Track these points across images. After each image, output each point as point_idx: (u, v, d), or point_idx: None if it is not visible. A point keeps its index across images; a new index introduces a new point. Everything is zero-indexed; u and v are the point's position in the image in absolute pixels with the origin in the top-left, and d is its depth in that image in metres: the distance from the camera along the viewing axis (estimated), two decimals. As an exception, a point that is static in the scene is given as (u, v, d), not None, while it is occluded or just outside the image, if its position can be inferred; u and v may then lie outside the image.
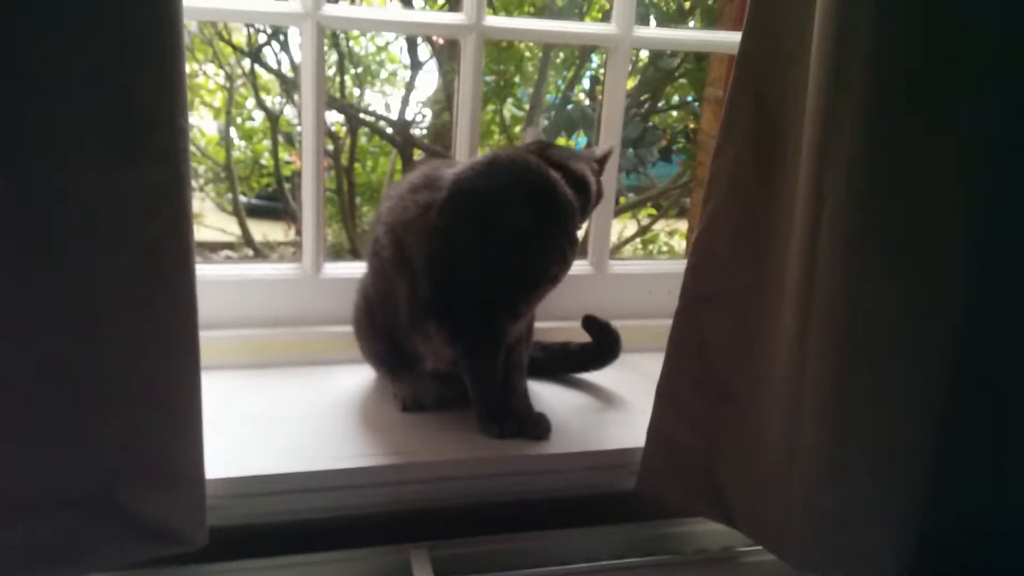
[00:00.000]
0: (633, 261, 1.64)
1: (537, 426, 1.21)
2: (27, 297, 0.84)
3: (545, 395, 1.36)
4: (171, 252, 0.89)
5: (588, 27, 1.81)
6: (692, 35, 1.57)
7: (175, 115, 0.85)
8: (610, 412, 1.32)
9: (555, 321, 1.42)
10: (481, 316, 1.17)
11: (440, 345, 1.19)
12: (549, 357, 1.41)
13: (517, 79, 3.41)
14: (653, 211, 3.77)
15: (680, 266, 1.11)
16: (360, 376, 1.36)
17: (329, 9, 1.31)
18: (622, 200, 3.41)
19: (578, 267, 1.54)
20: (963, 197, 0.92)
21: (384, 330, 1.23)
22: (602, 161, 1.27)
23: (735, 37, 0.99)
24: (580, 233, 1.25)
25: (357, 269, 1.31)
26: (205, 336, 0.94)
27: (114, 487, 0.92)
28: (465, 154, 1.43)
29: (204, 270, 1.33)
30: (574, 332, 1.38)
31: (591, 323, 1.39)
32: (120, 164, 0.84)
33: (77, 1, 0.79)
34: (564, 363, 1.42)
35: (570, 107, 2.95)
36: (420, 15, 1.33)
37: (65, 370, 0.87)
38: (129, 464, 0.92)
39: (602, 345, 1.39)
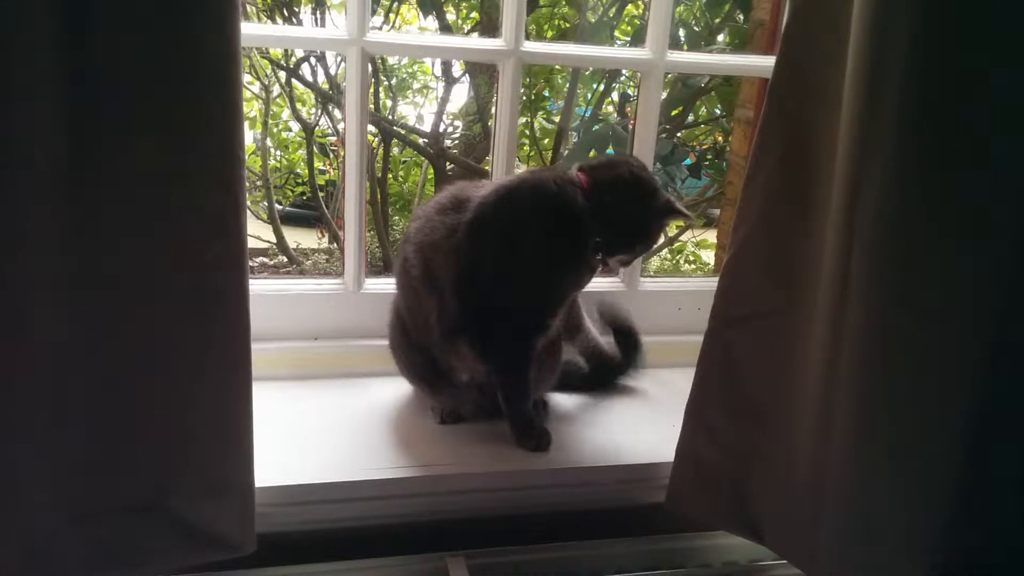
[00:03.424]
0: (663, 278, 1.66)
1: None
2: (90, 317, 0.89)
3: (578, 409, 1.40)
4: (228, 275, 0.93)
5: (623, 52, 1.85)
6: (724, 59, 1.59)
7: (234, 146, 0.90)
8: (641, 426, 1.35)
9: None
10: (508, 333, 1.21)
11: (473, 362, 1.23)
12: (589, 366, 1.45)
13: (547, 92, 3.44)
14: (680, 223, 3.78)
15: (709, 283, 1.13)
16: (399, 388, 1.40)
17: (374, 36, 1.35)
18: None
19: (609, 284, 1.58)
20: (996, 226, 0.94)
21: (418, 345, 1.27)
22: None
23: (767, 61, 1.01)
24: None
25: (395, 285, 1.35)
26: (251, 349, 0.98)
27: (171, 495, 0.97)
28: (501, 170, 1.48)
29: (250, 285, 1.38)
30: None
31: (614, 326, 1.45)
32: (182, 193, 0.89)
33: (145, 36, 0.84)
34: (598, 372, 1.46)
35: (599, 126, 2.97)
36: (460, 41, 1.37)
37: (126, 384, 0.92)
38: (185, 473, 0.97)
39: (624, 346, 1.45)
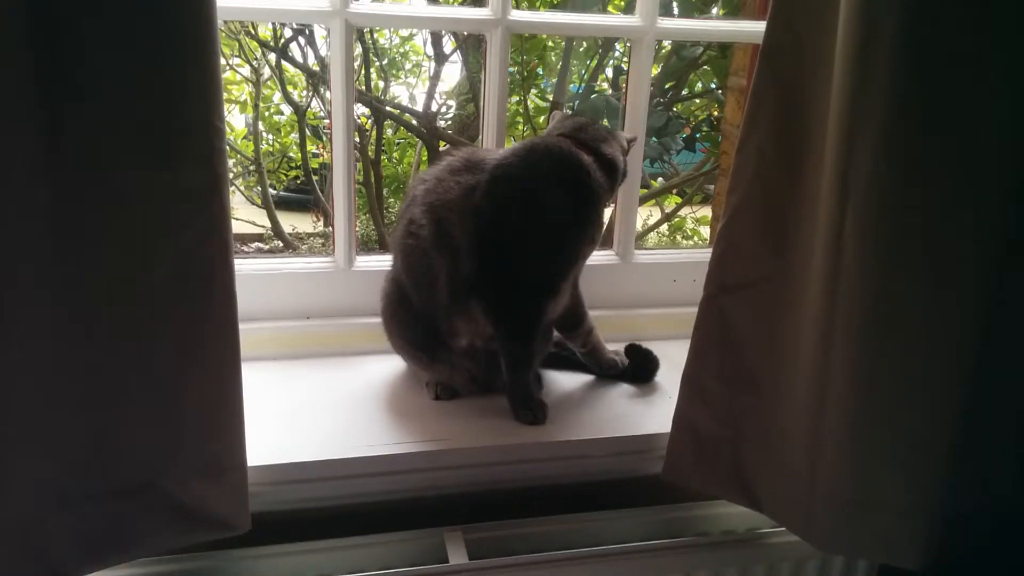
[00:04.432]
0: (658, 250, 1.65)
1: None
2: (72, 297, 0.87)
3: (575, 382, 1.39)
4: (211, 251, 0.92)
5: (612, 19, 1.82)
6: (716, 25, 1.58)
7: (212, 117, 0.88)
8: (637, 398, 1.34)
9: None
10: (524, 295, 1.21)
11: (484, 325, 1.23)
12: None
13: (540, 70, 3.41)
14: (677, 199, 3.77)
15: (704, 255, 1.13)
16: (392, 366, 1.39)
17: (357, 7, 1.33)
18: (642, 191, 3.41)
19: (604, 257, 1.57)
20: (991, 188, 0.93)
21: (421, 312, 1.25)
22: (629, 143, 1.33)
23: (759, 27, 1.00)
24: (606, 215, 1.30)
25: (388, 261, 1.34)
26: (241, 328, 0.97)
27: (162, 476, 0.96)
28: (492, 146, 1.46)
29: (240, 264, 1.36)
30: (600, 320, 1.40)
31: (635, 351, 1.41)
32: (159, 167, 0.87)
33: (116, 4, 0.81)
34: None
35: (594, 96, 2.95)
36: (446, 11, 1.35)
37: (112, 366, 0.91)
38: (175, 454, 0.96)
39: (639, 369, 1.40)
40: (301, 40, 3.15)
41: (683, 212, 3.78)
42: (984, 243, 0.95)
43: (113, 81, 0.83)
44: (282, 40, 3.15)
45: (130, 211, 0.87)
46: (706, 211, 3.80)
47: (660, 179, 3.76)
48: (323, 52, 3.13)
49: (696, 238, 3.89)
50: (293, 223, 3.86)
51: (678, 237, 3.87)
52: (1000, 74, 0.90)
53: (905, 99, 0.90)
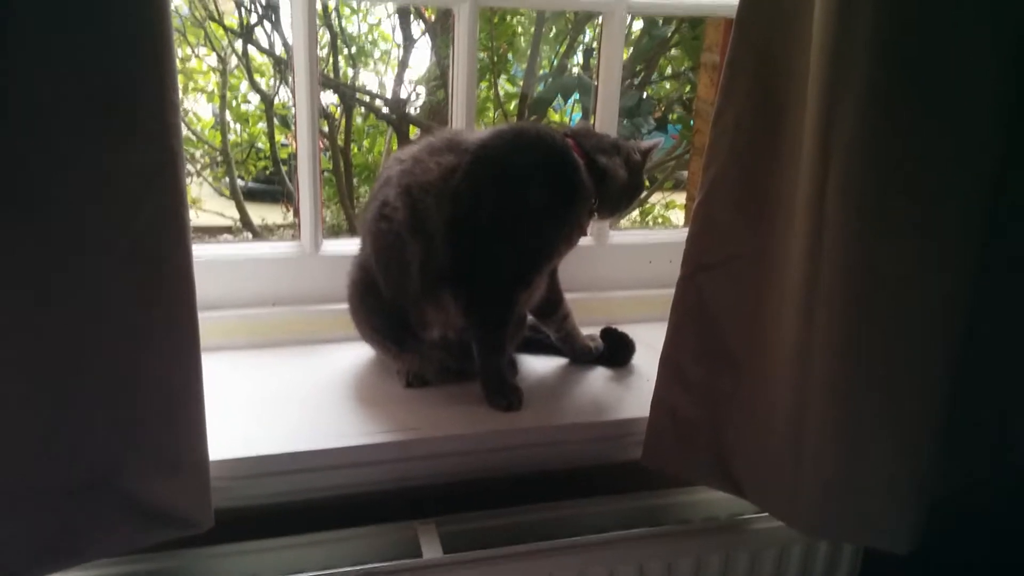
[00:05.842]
0: (633, 231, 1.63)
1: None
2: (22, 283, 0.82)
3: (550, 366, 1.36)
4: (167, 232, 0.87)
5: (583, -6, 1.78)
6: None
7: (165, 89, 0.83)
8: (614, 382, 1.31)
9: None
10: (497, 285, 1.17)
11: (454, 315, 1.19)
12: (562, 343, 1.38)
13: (510, 55, 3.39)
14: (647, 183, 3.76)
15: (680, 236, 1.10)
16: (361, 353, 1.35)
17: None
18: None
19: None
20: (975, 156, 0.90)
21: (390, 299, 1.21)
22: (646, 153, 1.28)
23: (732, 0, 0.97)
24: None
25: (356, 245, 1.30)
26: (204, 317, 0.93)
27: (118, 473, 0.91)
28: (463, 127, 1.42)
29: (202, 250, 1.32)
30: (575, 302, 1.36)
31: (610, 335, 1.38)
32: (111, 143, 0.82)
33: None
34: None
35: (566, 75, 2.93)
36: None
37: (63, 357, 0.86)
38: (132, 449, 0.91)
39: (615, 353, 1.37)
40: (268, 26, 3.10)
41: (653, 199, 3.77)
42: (972, 210, 0.92)
43: (54, 47, 0.77)
44: (247, 26, 3.10)
45: (79, 192, 0.82)
46: (675, 197, 3.80)
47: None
48: (290, 39, 3.07)
49: (666, 225, 3.88)
50: (263, 214, 3.80)
51: (649, 222, 3.87)
52: (990, 30, 0.86)
53: (888, 59, 0.87)
